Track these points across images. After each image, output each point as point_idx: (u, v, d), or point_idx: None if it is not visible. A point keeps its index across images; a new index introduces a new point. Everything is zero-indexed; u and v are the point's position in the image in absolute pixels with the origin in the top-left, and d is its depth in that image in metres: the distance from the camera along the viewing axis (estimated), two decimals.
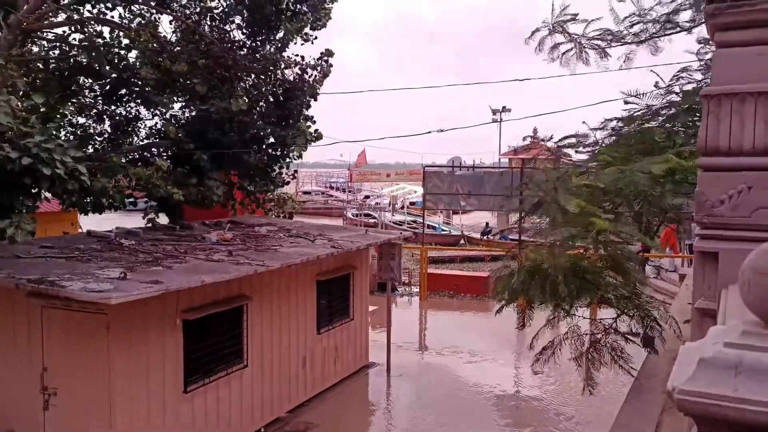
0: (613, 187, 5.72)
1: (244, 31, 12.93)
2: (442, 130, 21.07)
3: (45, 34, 11.53)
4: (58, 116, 8.39)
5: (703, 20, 7.08)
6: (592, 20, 7.02)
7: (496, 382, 12.20)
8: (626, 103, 7.22)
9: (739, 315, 1.90)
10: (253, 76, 12.87)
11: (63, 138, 6.62)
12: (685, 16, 7.08)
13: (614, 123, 7.30)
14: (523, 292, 6.76)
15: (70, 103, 10.88)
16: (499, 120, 41.54)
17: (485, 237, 31.34)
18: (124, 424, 7.20)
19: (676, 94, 7.18)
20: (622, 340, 7.30)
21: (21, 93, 6.59)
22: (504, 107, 42.97)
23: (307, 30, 13.07)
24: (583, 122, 7.15)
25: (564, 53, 7.12)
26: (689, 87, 7.38)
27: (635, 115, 7.31)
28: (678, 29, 7.38)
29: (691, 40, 7.78)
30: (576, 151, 7.54)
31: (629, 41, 7.39)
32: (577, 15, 6.93)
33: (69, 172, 6.27)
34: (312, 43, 13.42)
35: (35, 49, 11.60)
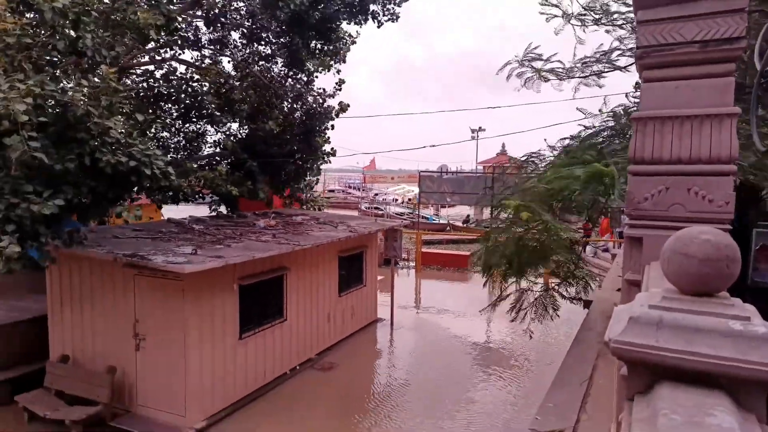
0: (552, 188, 5.69)
1: (281, 67, 12.88)
2: (433, 145, 21.11)
3: (136, 70, 11.51)
4: (150, 131, 8.41)
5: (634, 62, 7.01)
6: (551, 56, 6.94)
7: (472, 334, 12.19)
8: (579, 111, 7.15)
9: (658, 285, 1.88)
10: (287, 103, 12.85)
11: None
12: (621, 59, 6.99)
13: (567, 141, 7.23)
14: (491, 265, 6.79)
15: (156, 122, 10.89)
16: (476, 137, 41.33)
17: (466, 225, 31.27)
18: (194, 361, 7.23)
19: (612, 118, 7.10)
20: (560, 298, 7.39)
21: (125, 114, 6.62)
22: (480, 127, 42.76)
23: (331, 64, 13.03)
24: (544, 139, 7.10)
25: (527, 80, 7.05)
26: (617, 111, 7.34)
27: (581, 134, 7.25)
28: (614, 69, 7.29)
29: (625, 76, 7.70)
30: (534, 163, 7.49)
31: (578, 76, 7.31)
32: (541, 54, 6.86)
33: (162, 173, 6.29)
34: (338, 73, 13.38)
35: (128, 81, 11.61)
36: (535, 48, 6.76)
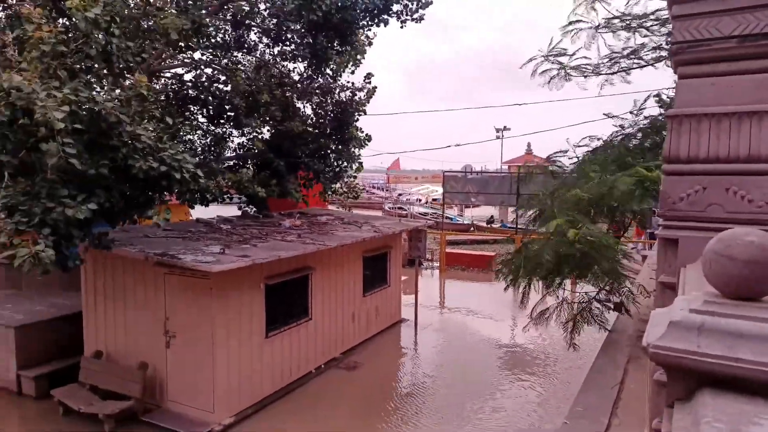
0: (594, 197, 5.56)
1: (305, 66, 12.95)
2: (458, 145, 20.96)
3: (165, 73, 11.77)
4: (179, 135, 8.62)
5: (667, 58, 6.81)
6: (576, 51, 6.81)
7: (497, 335, 12.05)
8: (607, 115, 7.00)
9: (696, 287, 1.82)
10: (314, 100, 12.91)
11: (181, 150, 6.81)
12: (651, 54, 6.81)
13: (594, 142, 7.08)
14: (524, 273, 6.64)
15: (185, 126, 11.12)
16: (501, 137, 40.90)
17: (489, 225, 30.98)
18: (222, 358, 7.35)
19: (645, 117, 6.93)
20: (603, 307, 7.17)
21: (155, 119, 6.78)
22: (505, 126, 42.30)
23: (349, 66, 13.05)
24: (567, 139, 6.97)
25: (552, 78, 6.92)
26: (652, 112, 7.13)
27: (613, 137, 7.09)
28: (644, 64, 7.10)
29: (654, 73, 7.49)
30: (557, 162, 7.34)
31: (605, 72, 7.15)
32: (566, 50, 6.73)
33: (191, 176, 6.42)
34: (352, 73, 13.41)
35: (157, 86, 11.87)
36: (559, 43, 6.64)
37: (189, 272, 7.17)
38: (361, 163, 14.07)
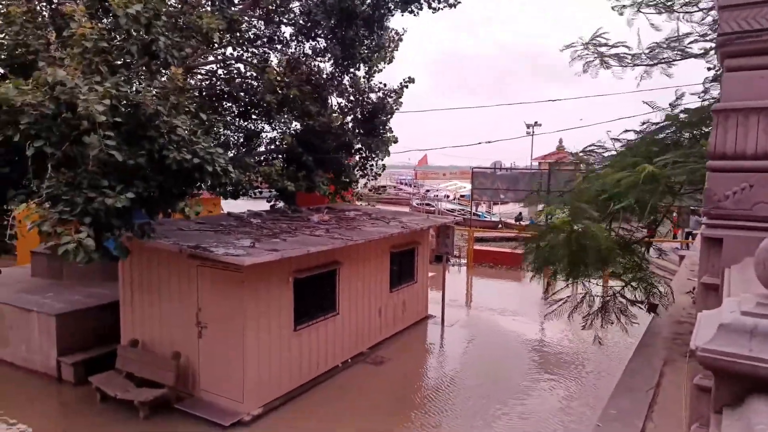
0: (604, 191, 5.41)
1: (333, 63, 12.99)
2: (489, 141, 20.74)
3: (200, 70, 12.00)
4: (212, 130, 8.79)
5: (713, 50, 6.54)
6: (617, 43, 6.60)
7: (525, 334, 11.89)
8: (645, 104, 6.76)
9: (743, 289, 1.74)
10: (343, 97, 12.97)
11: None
12: (694, 45, 6.55)
13: (630, 135, 6.85)
14: (542, 265, 6.55)
15: (218, 121, 11.33)
16: (532, 133, 40.24)
17: (518, 222, 30.55)
18: (252, 350, 7.49)
19: (682, 111, 6.66)
20: (628, 303, 7.00)
21: (190, 114, 6.94)
22: (536, 122, 41.58)
23: (380, 64, 13.03)
24: (608, 131, 6.77)
25: (587, 64, 6.73)
26: (690, 106, 6.85)
27: (645, 130, 6.85)
28: (687, 56, 6.83)
29: (698, 67, 7.22)
30: (594, 154, 7.14)
31: (645, 63, 6.91)
32: (608, 40, 6.53)
33: (222, 170, 6.55)
34: (380, 71, 13.38)
35: (192, 81, 12.11)
36: (603, 34, 6.44)
37: (221, 265, 7.31)
38: (384, 166, 14.16)
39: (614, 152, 6.62)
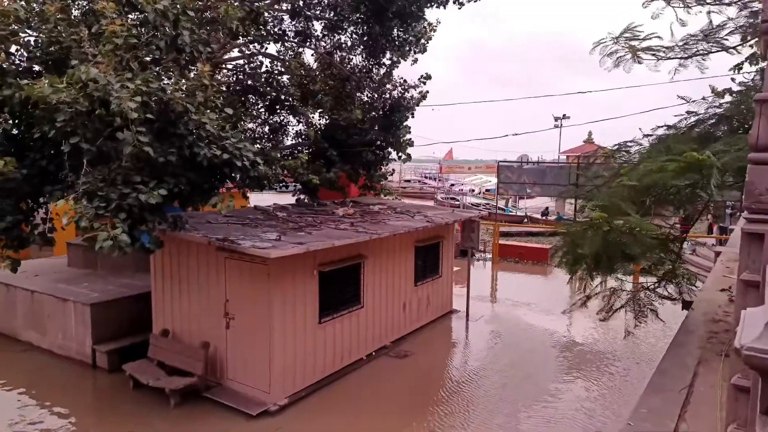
0: (640, 185, 5.22)
1: (362, 57, 12.98)
2: (516, 134, 20.49)
3: (226, 65, 12.17)
4: (239, 124, 8.93)
5: (750, 41, 6.25)
6: (649, 35, 6.38)
7: (552, 330, 11.71)
8: (680, 98, 6.52)
9: None
10: (367, 93, 12.96)
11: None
12: (730, 38, 6.27)
13: (662, 130, 6.63)
14: (575, 260, 6.40)
15: (245, 115, 11.49)
16: (560, 125, 39.47)
17: (544, 217, 30.09)
18: (278, 342, 7.59)
19: (719, 105, 6.41)
20: (657, 298, 6.82)
21: (218, 109, 7.04)
22: (564, 115, 40.76)
23: (409, 54, 12.93)
24: (639, 128, 6.54)
25: (619, 59, 6.52)
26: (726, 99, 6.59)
27: (681, 123, 6.61)
28: (722, 49, 6.56)
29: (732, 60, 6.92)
30: (627, 152, 6.93)
31: (679, 57, 6.66)
32: (640, 33, 6.32)
33: (251, 164, 6.63)
34: (414, 63, 13.29)
35: (219, 76, 12.29)
36: (636, 27, 6.23)
37: (248, 257, 7.43)
38: (393, 170, 14.15)
39: (646, 147, 6.42)
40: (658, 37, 6.57)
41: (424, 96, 13.10)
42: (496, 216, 23.26)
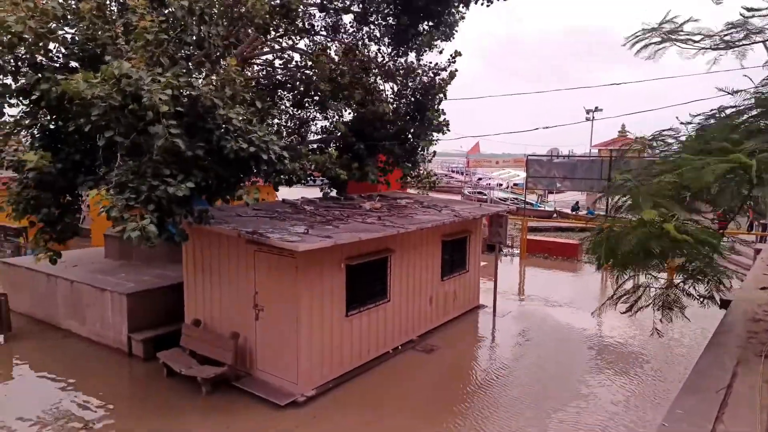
0: (679, 181, 4.99)
1: (389, 46, 12.87)
2: (547, 127, 19.98)
3: (257, 60, 12.28)
4: (268, 118, 9.02)
5: None
6: (686, 21, 6.09)
7: (582, 328, 11.45)
8: (719, 90, 6.21)
9: None
10: (396, 82, 12.85)
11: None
12: None
13: (701, 118, 6.32)
14: (608, 254, 6.21)
15: (273, 109, 11.58)
16: (591, 118, 38.49)
17: (575, 212, 29.44)
18: (306, 334, 7.66)
19: (762, 94, 6.06)
20: (690, 296, 6.55)
21: (246, 103, 7.12)
22: (596, 107, 39.73)
23: (437, 43, 12.75)
24: (677, 117, 6.24)
25: (657, 51, 6.24)
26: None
27: (721, 113, 6.29)
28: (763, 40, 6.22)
29: None
30: (664, 142, 6.65)
31: (719, 47, 6.35)
32: (676, 23, 6.03)
33: (277, 157, 6.69)
34: (441, 53, 13.13)
35: (249, 73, 12.42)
36: (674, 18, 5.95)
37: (276, 250, 7.50)
38: (435, 152, 13.93)
39: (684, 137, 6.14)
40: (694, 20, 6.25)
41: (453, 75, 12.78)
42: (524, 211, 22.88)
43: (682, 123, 6.02)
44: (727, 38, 6.38)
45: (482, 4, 12.24)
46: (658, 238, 5.22)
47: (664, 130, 6.00)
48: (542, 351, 10.14)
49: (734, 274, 8.06)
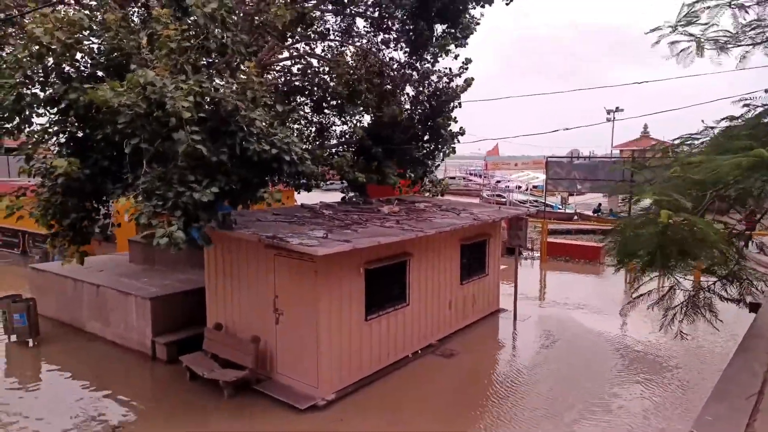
0: (699, 179, 4.87)
1: (405, 51, 12.93)
2: (567, 128, 19.81)
3: (275, 66, 12.46)
4: (287, 122, 9.15)
5: None
6: (711, 24, 5.97)
7: (605, 332, 11.25)
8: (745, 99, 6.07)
9: None
10: (411, 88, 12.90)
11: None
12: None
13: (725, 122, 6.18)
14: (628, 255, 6.09)
15: (293, 114, 11.72)
16: (612, 119, 37.94)
17: (597, 214, 29.00)
18: (325, 338, 7.70)
19: None
20: (718, 299, 6.38)
21: (267, 106, 7.23)
22: (617, 107, 39.15)
23: (451, 48, 12.76)
24: (702, 120, 6.11)
25: (681, 52, 6.13)
26: None
27: (748, 113, 6.14)
28: None
29: None
30: (691, 145, 6.50)
31: (745, 44, 6.21)
32: (698, 17, 5.91)
33: (299, 158, 6.78)
34: (455, 58, 13.13)
35: (269, 77, 12.60)
36: (694, 13, 5.84)
37: (296, 254, 7.57)
38: (443, 159, 13.96)
39: (707, 140, 6.01)
40: (718, 24, 6.13)
41: (469, 83, 12.80)
42: (544, 213, 22.62)
43: (708, 127, 5.88)
44: (754, 35, 6.23)
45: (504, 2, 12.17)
46: (675, 240, 5.12)
47: (692, 134, 5.87)
48: (564, 356, 10.00)
49: (764, 277, 7.87)
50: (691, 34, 6.04)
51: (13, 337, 10.23)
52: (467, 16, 12.21)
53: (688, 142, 5.93)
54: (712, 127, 6.14)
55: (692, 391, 8.51)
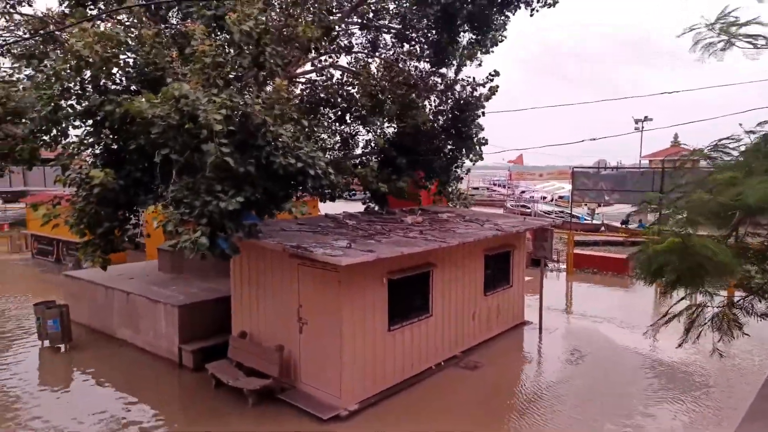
0: (726, 202, 4.73)
1: (428, 61, 13.00)
2: (594, 139, 19.53)
3: (300, 78, 12.70)
4: (312, 135, 9.33)
5: None
6: (748, 23, 5.78)
7: (634, 347, 10.95)
8: None
9: None
10: (435, 96, 12.93)
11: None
12: None
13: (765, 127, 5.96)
14: (653, 272, 5.95)
15: (318, 126, 11.90)
16: (641, 128, 37.25)
17: (625, 226, 28.39)
18: (348, 348, 7.72)
19: None
20: (745, 314, 6.16)
21: (293, 121, 7.37)
22: (646, 117, 38.43)
23: (476, 56, 12.78)
24: (740, 124, 5.87)
25: (715, 51, 5.94)
26: None
27: None
28: None
29: None
30: (727, 153, 6.29)
31: None
32: (737, 18, 5.74)
33: (323, 173, 6.88)
34: (480, 65, 13.13)
35: (295, 90, 12.84)
36: (731, 11, 5.66)
37: (319, 264, 7.65)
38: (468, 170, 13.93)
39: (743, 149, 5.80)
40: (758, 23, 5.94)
41: (494, 92, 12.75)
42: (570, 224, 22.28)
43: (746, 132, 5.66)
44: None
45: (527, 8, 12.15)
46: (695, 261, 4.96)
47: (723, 139, 5.67)
48: (592, 371, 9.78)
49: None
50: (728, 33, 5.83)
51: (46, 343, 10.57)
52: (496, 22, 12.21)
53: (721, 148, 5.72)
54: (750, 132, 5.88)
55: (727, 408, 8.20)
